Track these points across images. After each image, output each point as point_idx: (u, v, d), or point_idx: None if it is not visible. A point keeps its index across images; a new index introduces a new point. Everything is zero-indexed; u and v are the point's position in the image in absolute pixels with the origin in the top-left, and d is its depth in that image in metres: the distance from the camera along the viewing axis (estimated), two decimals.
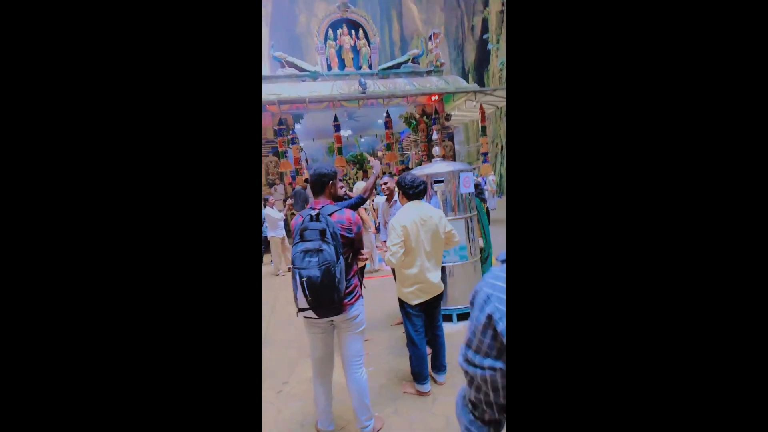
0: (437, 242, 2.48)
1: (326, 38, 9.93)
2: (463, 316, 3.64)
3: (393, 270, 2.75)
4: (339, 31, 9.99)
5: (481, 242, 4.01)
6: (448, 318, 3.64)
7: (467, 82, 12.18)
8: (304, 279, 1.69)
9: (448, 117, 10.98)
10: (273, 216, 6.39)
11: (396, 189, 2.89)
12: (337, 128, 9.06)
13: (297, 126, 10.53)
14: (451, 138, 11.14)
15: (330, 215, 1.81)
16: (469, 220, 3.67)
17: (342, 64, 10.12)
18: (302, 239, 1.78)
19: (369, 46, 10.20)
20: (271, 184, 9.59)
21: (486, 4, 24.36)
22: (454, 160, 11.29)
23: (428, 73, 10.53)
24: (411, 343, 2.48)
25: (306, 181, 9.46)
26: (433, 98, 10.11)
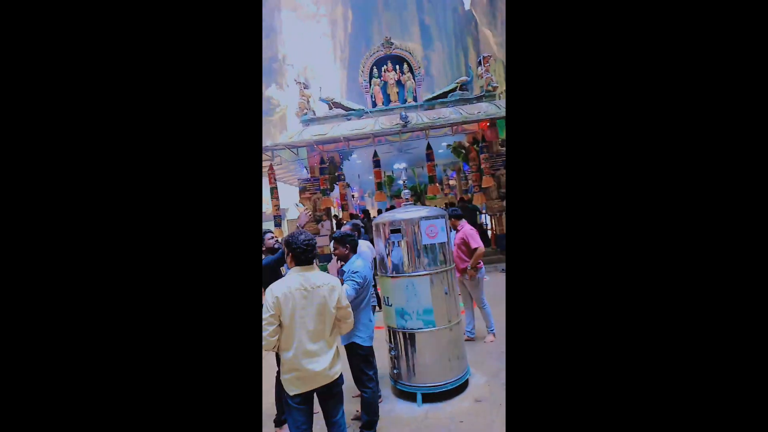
0: (325, 319, 2.01)
1: (371, 76, 10.11)
2: (429, 397, 2.95)
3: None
4: (384, 67, 10.10)
5: None
6: (410, 397, 2.99)
7: None
8: None
9: (503, 143, 10.03)
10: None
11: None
12: (377, 164, 8.95)
13: (347, 162, 10.78)
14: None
15: None
16: (434, 277, 3.04)
17: (387, 100, 10.13)
18: None
19: (414, 79, 10.05)
20: (318, 221, 9.84)
21: None
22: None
23: (478, 99, 9.85)
24: None
25: (351, 216, 9.50)
26: (485, 125, 9.37)
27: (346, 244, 2.61)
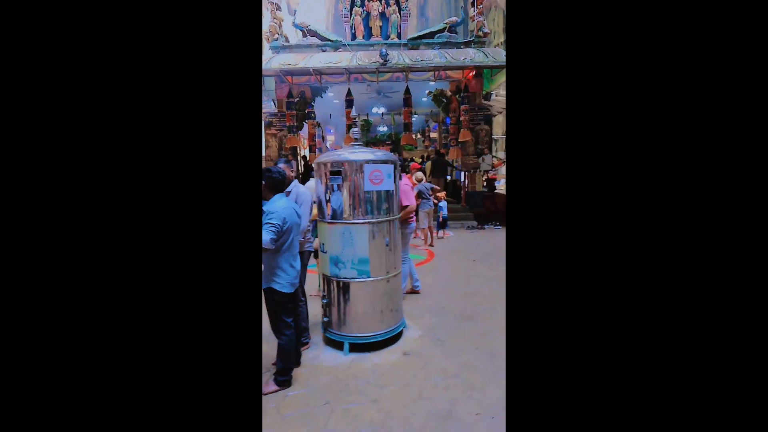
0: None
1: (352, 4, 9.11)
2: (358, 347, 2.86)
3: None
4: None
5: None
6: (339, 346, 2.90)
7: None
8: None
9: (487, 96, 9.55)
10: None
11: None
12: (349, 103, 8.35)
13: (320, 99, 10.04)
14: (488, 122, 9.71)
15: None
16: (375, 227, 2.81)
17: (368, 33, 9.25)
18: None
19: (399, 13, 9.14)
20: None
21: None
22: (490, 148, 9.89)
23: (466, 44, 9.14)
24: None
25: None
26: (470, 73, 8.78)
27: (263, 180, 2.29)
